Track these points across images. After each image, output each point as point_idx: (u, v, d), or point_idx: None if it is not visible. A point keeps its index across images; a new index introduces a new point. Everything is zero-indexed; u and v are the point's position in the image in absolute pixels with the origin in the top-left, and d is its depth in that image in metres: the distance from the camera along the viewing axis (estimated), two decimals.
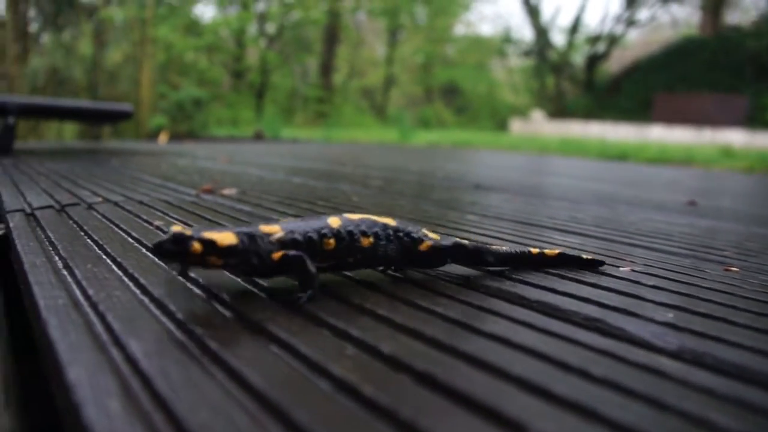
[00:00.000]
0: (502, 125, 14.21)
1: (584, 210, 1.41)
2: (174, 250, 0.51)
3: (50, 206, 1.14)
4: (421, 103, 16.30)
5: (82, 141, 7.23)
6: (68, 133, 10.03)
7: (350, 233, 0.58)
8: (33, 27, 15.07)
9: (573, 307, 0.56)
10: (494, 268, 0.70)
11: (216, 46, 14.34)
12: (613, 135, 11.03)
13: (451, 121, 15.73)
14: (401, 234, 0.62)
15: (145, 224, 0.95)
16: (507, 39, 18.17)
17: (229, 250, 0.52)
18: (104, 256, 0.71)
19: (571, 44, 18.68)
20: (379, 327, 0.49)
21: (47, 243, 0.79)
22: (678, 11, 19.10)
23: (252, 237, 0.54)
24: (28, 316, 0.58)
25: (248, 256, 0.53)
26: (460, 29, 18.12)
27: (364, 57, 17.56)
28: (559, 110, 16.32)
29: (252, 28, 14.78)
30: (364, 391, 0.36)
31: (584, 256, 0.74)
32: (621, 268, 0.75)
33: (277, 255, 0.55)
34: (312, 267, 0.55)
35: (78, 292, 0.56)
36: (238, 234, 0.54)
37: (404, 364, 0.41)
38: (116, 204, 1.18)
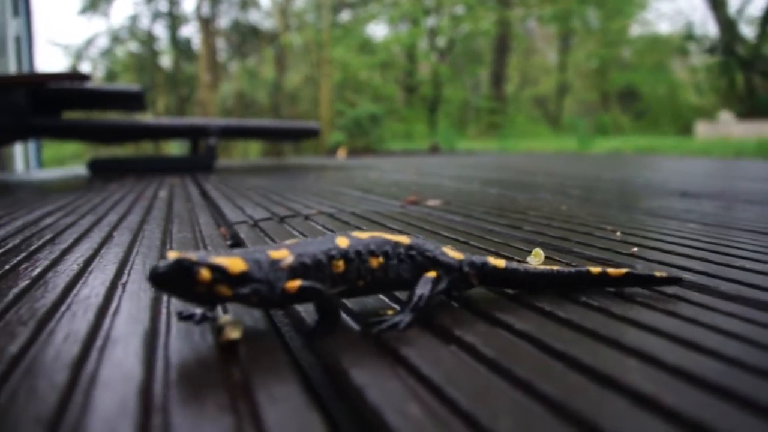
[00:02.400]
0: (685, 129, 13.37)
1: None
2: (177, 280, 0.45)
3: (270, 218, 1.22)
4: (596, 110, 15.75)
5: (267, 158, 7.69)
6: (253, 151, 10.72)
7: (358, 253, 0.52)
8: (222, 57, 16.34)
9: None
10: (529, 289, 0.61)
11: (389, 63, 14.76)
12: None
13: (629, 127, 15.06)
14: (414, 253, 0.56)
15: None
16: (689, 36, 17.05)
17: (240, 278, 0.47)
18: None
19: (764, 35, 17.19)
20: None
21: None
22: None
23: (260, 263, 0.48)
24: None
25: (259, 286, 0.48)
26: (635, 30, 17.29)
27: (535, 65, 17.28)
28: (751, 109, 15.08)
29: (423, 43, 15.05)
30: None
31: (656, 274, 0.61)
32: None
33: (293, 285, 0.48)
34: (331, 298, 0.50)
35: None
36: (247, 260, 0.48)
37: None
38: (331, 216, 1.23)
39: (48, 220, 1.30)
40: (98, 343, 0.47)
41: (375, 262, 0.53)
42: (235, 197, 1.68)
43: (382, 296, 0.60)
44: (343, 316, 0.53)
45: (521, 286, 0.60)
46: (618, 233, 0.96)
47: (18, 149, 5.47)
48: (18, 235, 1.10)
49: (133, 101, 3.46)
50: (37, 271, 0.76)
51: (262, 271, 0.48)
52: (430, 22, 15.11)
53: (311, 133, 4.00)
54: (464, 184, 2.04)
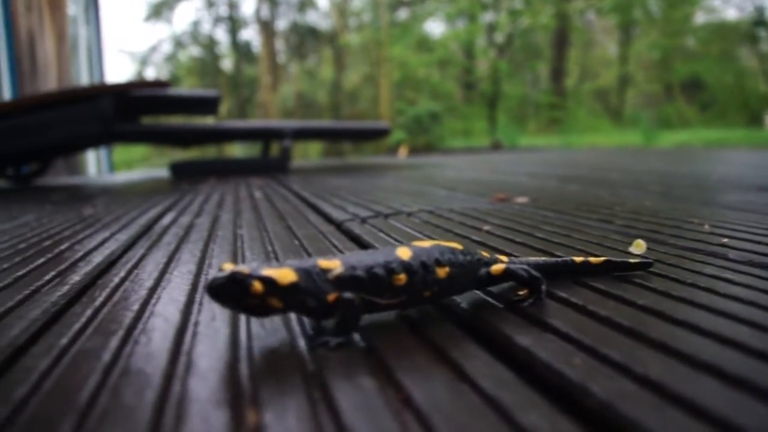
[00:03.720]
0: (754, 120, 13.00)
1: None
2: (231, 292, 0.47)
3: (375, 216, 1.32)
4: (659, 102, 15.43)
5: (328, 158, 7.82)
6: (312, 151, 10.89)
7: (423, 264, 0.54)
8: (281, 58, 16.65)
9: None
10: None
11: (447, 60, 14.80)
12: None
13: (695, 120, 14.71)
14: (470, 258, 0.59)
15: (474, 229, 1.08)
16: (758, 21, 16.46)
17: (290, 289, 0.48)
18: None
19: None
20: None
21: None
22: None
23: (309, 273, 0.50)
24: None
25: (305, 297, 0.49)
26: (700, 17, 16.80)
27: (595, 58, 17.04)
28: None
29: (481, 40, 15.04)
30: None
31: (631, 260, 0.70)
32: None
33: (332, 296, 0.50)
34: (357, 318, 0.51)
35: None
36: (297, 271, 0.49)
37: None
38: (431, 212, 1.34)
39: (166, 220, 1.43)
40: (294, 318, 0.58)
41: (442, 272, 0.55)
42: (328, 197, 1.79)
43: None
44: (485, 296, 0.63)
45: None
46: (706, 226, 1.03)
47: (90, 154, 5.76)
48: (150, 233, 1.23)
49: (209, 106, 3.64)
50: (195, 260, 0.88)
51: (311, 282, 0.49)
52: (488, 17, 15.08)
53: (382, 133, 4.11)
54: (542, 181, 2.11)
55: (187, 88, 12.12)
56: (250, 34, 19.51)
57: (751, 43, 16.07)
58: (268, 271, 0.47)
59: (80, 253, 1.01)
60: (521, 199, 1.53)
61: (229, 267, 0.48)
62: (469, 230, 1.06)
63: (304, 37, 16.54)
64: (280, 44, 16.78)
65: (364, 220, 1.25)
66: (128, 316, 0.61)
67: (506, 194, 1.65)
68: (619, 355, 0.44)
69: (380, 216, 1.30)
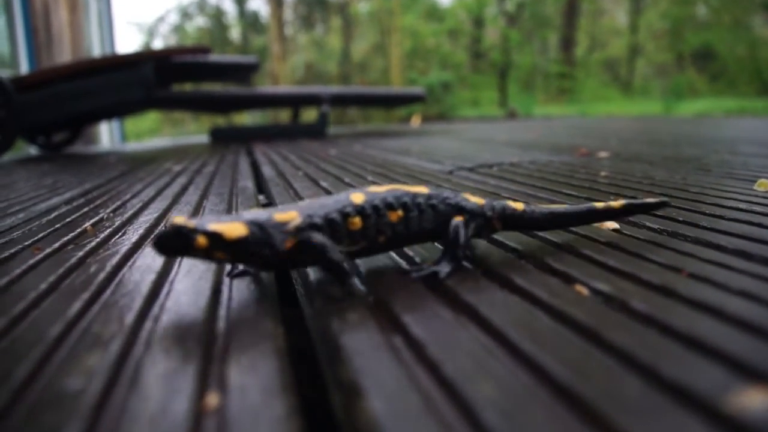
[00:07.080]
0: (765, 90, 12.93)
1: None
2: (176, 246, 0.46)
3: (479, 166, 1.41)
4: (669, 72, 15.38)
5: (341, 126, 7.86)
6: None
7: (375, 208, 0.52)
8: (289, 29, 16.60)
9: None
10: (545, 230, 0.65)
11: (456, 30, 14.76)
12: None
13: (705, 89, 14.65)
14: (435, 202, 0.56)
15: (591, 174, 1.17)
16: None
17: (237, 243, 0.47)
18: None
19: None
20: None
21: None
22: None
23: (263, 227, 0.48)
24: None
25: (259, 249, 0.47)
26: None
27: (604, 27, 16.97)
28: None
29: (491, 9, 14.98)
30: None
31: (649, 200, 0.66)
32: None
33: (289, 242, 0.48)
34: (335, 253, 0.49)
35: None
36: (248, 224, 0.48)
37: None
38: (533, 162, 1.43)
39: (267, 173, 1.49)
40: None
41: (394, 216, 0.53)
42: (408, 154, 1.86)
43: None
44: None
45: (540, 227, 0.63)
46: None
47: (103, 125, 5.83)
48: (272, 180, 1.31)
49: (247, 72, 3.71)
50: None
51: (264, 235, 0.48)
52: None
53: (418, 99, 4.19)
54: (600, 142, 2.17)
55: (224, 55, 12.06)
56: (257, 4, 19.41)
57: (766, 12, 15.91)
58: (215, 226, 0.46)
59: (224, 192, 1.09)
60: (603, 154, 1.62)
61: (177, 221, 0.46)
62: (587, 175, 1.16)
63: (312, 7, 16.47)
64: (288, 14, 16.71)
65: (471, 169, 1.35)
66: None
67: (590, 150, 1.73)
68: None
69: (484, 166, 1.40)
